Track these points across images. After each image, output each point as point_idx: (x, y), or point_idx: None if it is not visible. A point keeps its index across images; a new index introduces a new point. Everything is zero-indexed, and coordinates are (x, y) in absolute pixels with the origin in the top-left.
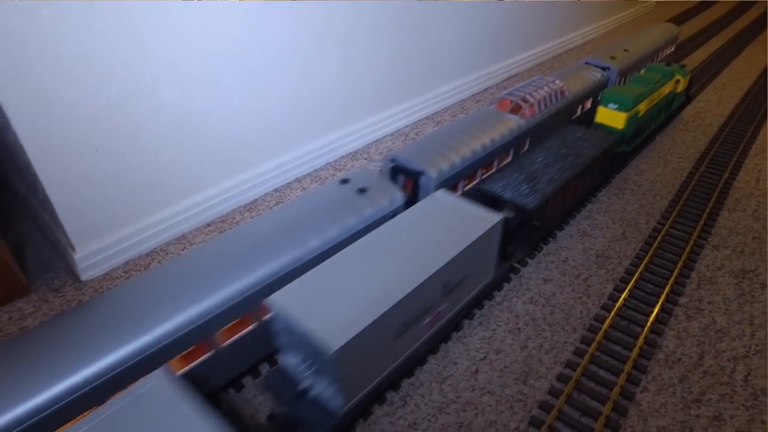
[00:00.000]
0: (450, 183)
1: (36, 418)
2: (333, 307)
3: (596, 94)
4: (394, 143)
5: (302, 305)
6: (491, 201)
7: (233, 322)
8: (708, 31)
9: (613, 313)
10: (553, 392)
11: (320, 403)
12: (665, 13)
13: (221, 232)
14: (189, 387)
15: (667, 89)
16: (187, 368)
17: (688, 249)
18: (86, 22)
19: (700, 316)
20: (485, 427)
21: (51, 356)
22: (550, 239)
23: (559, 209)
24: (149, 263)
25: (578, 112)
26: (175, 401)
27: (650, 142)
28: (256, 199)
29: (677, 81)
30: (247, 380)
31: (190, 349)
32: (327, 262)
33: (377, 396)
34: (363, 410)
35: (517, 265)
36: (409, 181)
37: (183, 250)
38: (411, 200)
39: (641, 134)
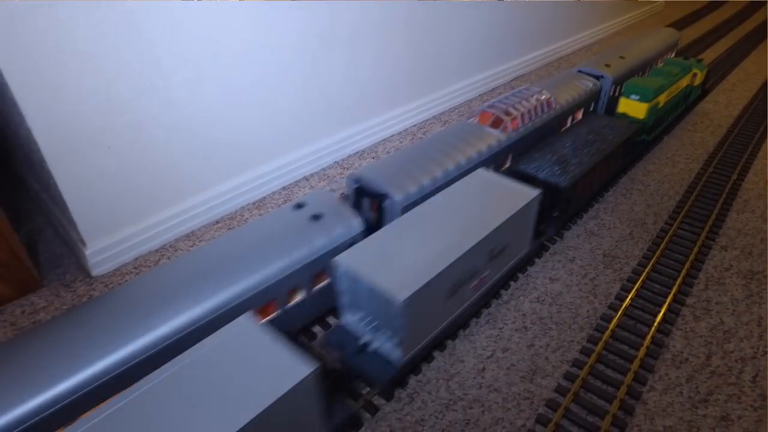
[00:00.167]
0: None
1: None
2: (395, 266)
3: (588, 104)
4: (401, 142)
5: (367, 265)
6: (526, 180)
7: None
8: (717, 32)
9: (620, 313)
10: (560, 390)
11: (380, 356)
12: (674, 14)
13: (230, 229)
14: (272, 329)
15: (684, 82)
16: None
17: (695, 249)
18: (99, 21)
19: (707, 316)
20: (492, 425)
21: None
22: (557, 239)
23: (587, 191)
24: (159, 259)
25: (567, 124)
26: (263, 338)
27: (667, 134)
28: (265, 197)
29: (694, 74)
30: None
31: None
32: (381, 231)
33: (426, 355)
34: (414, 366)
35: (545, 243)
36: (375, 203)
37: (192, 246)
38: (376, 225)
39: (660, 125)
